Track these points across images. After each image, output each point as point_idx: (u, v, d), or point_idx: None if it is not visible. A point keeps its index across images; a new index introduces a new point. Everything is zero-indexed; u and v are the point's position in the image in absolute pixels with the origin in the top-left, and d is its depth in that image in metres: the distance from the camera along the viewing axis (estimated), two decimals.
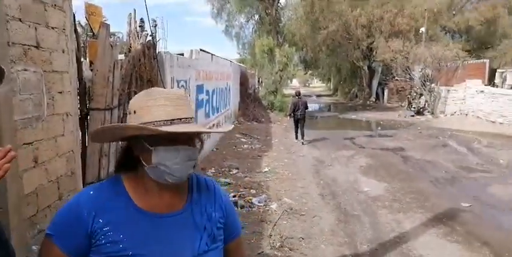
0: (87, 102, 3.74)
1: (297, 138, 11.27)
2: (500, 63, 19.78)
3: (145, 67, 4.57)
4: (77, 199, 1.06)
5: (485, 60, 18.59)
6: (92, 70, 3.85)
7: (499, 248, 4.04)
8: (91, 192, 1.06)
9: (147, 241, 1.01)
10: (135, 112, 1.02)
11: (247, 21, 26.48)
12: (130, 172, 1.08)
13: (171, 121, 0.99)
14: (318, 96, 41.30)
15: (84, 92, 3.68)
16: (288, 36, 24.09)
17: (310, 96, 40.89)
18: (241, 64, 20.07)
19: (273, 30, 22.75)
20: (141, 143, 1.00)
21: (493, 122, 14.10)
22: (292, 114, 11.23)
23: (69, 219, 1.02)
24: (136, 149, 1.04)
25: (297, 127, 11.26)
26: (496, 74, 19.12)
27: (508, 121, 13.29)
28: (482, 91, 15.31)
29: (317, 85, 67.06)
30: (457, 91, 17.25)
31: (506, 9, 23.59)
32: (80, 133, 3.42)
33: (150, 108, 1.00)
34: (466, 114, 16.18)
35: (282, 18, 25.04)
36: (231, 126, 1.38)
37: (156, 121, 0.98)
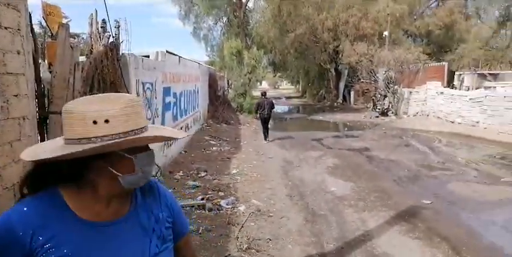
0: (46, 105, 3.61)
1: (265, 139, 11.58)
2: (458, 66, 20.81)
3: (108, 69, 4.47)
4: (7, 217, 0.96)
5: (444, 63, 19.50)
6: (51, 72, 3.72)
7: (457, 243, 4.23)
8: (25, 208, 0.97)
9: (94, 252, 0.98)
10: (107, 121, 0.93)
11: (216, 23, 26.42)
12: (70, 183, 1.01)
13: (145, 128, 0.99)
14: (288, 98, 41.74)
15: (42, 95, 3.55)
16: (257, 38, 24.23)
17: (279, 98, 41.27)
18: (210, 66, 19.98)
19: (242, 32, 22.81)
20: (116, 154, 0.96)
21: (452, 122, 14.77)
22: (258, 113, 11.72)
23: (1, 241, 0.92)
24: (103, 161, 0.96)
25: (264, 128, 11.61)
26: (455, 76, 20.10)
27: (465, 121, 13.97)
28: (441, 93, 16.01)
29: (286, 87, 67.80)
30: (418, 93, 17.95)
31: (462, 15, 24.84)
32: (39, 137, 3.29)
33: (129, 116, 0.95)
34: (427, 115, 16.86)
35: (251, 21, 25.17)
36: (184, 134, 1.24)
37: (137, 129, 0.96)
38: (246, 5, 24.13)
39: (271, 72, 45.80)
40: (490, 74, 18.41)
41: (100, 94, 1.04)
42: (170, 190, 5.78)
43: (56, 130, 3.46)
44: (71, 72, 3.78)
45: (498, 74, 18.83)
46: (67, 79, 3.68)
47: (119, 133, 0.93)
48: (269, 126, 11.90)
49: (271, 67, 39.10)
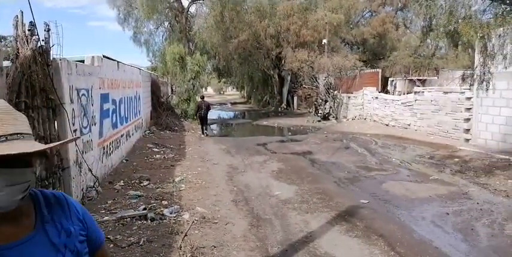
0: None
1: (203, 133, 14.31)
2: (391, 72, 22.22)
3: (37, 75, 4.19)
4: None
5: (378, 69, 20.74)
6: None
7: (391, 240, 4.49)
8: None
9: None
10: None
11: (157, 28, 25.81)
12: None
13: None
14: (233, 104, 41.87)
15: None
16: (200, 44, 24.07)
17: (225, 104, 41.32)
18: (153, 72, 19.48)
19: (184, 38, 22.52)
20: None
21: (386, 125, 15.73)
22: (197, 113, 14.80)
23: None
24: None
25: (201, 124, 14.57)
26: (388, 82, 21.46)
27: (398, 124, 14.95)
28: (376, 98, 17.01)
29: (231, 93, 67.95)
30: (356, 98, 18.91)
31: (393, 25, 26.66)
32: None
33: None
34: (365, 119, 17.80)
35: (193, 27, 24.95)
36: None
37: None
38: (188, 11, 23.90)
39: (215, 78, 45.74)
40: (418, 79, 19.90)
41: None
42: (110, 201, 5.55)
43: None
44: None
45: (426, 79, 20.42)
46: None
47: None
48: (208, 123, 15.11)
49: (215, 73, 39.04)
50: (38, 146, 0.91)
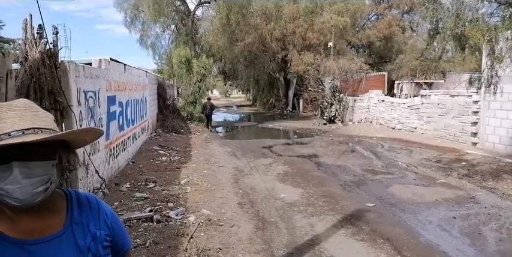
0: None
1: (207, 128, 17.37)
2: (397, 75, 22.12)
3: (45, 77, 4.24)
4: None
5: (384, 72, 20.66)
6: None
7: (398, 243, 4.46)
8: None
9: None
10: None
11: (163, 31, 25.98)
12: None
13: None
14: (239, 106, 41.96)
15: None
16: (206, 47, 24.20)
17: (230, 106, 41.43)
18: (159, 75, 19.59)
19: (190, 41, 22.64)
20: None
21: (393, 128, 15.66)
22: (203, 111, 18.14)
23: None
24: None
25: (207, 121, 17.94)
26: (395, 85, 21.36)
27: (405, 127, 14.87)
28: (382, 101, 16.95)
29: (237, 96, 68.09)
30: (362, 101, 18.85)
31: (400, 28, 26.57)
32: None
33: None
34: (371, 122, 17.74)
35: (200, 30, 25.09)
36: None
37: None
38: (194, 14, 24.03)
39: (221, 80, 45.93)
40: (425, 83, 19.79)
41: None
42: (116, 203, 5.57)
43: None
44: (2, 80, 3.54)
45: (432, 83, 20.30)
46: None
47: None
48: (212, 120, 18.26)
49: (221, 76, 39.20)
50: (41, 136, 0.92)
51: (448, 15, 7.59)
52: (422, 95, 14.09)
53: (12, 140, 0.89)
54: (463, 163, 9.16)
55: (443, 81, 20.08)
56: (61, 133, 0.98)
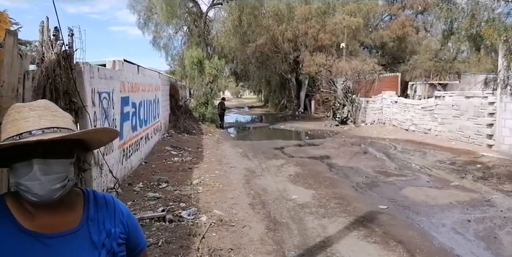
0: None
1: (220, 127, 18.32)
2: (411, 76, 21.87)
3: (61, 78, 4.31)
4: None
5: (398, 73, 20.45)
6: None
7: (411, 246, 4.41)
8: None
9: None
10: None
11: (176, 32, 26.13)
12: (14, 193, 1.01)
13: (20, 135, 0.95)
14: (250, 107, 42.06)
15: None
16: (218, 48, 24.26)
17: (242, 107, 41.52)
18: (171, 76, 19.74)
19: (202, 42, 22.71)
20: (4, 162, 0.97)
21: (406, 129, 15.48)
22: (217, 109, 19.22)
23: None
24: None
25: (220, 120, 18.96)
26: (408, 86, 21.13)
27: (418, 129, 14.69)
28: (396, 102, 16.77)
29: (249, 97, 68.22)
30: (375, 102, 18.69)
31: (413, 28, 26.28)
32: None
33: (4, 126, 0.99)
34: (384, 123, 17.57)
35: (212, 31, 25.18)
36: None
37: (7, 138, 0.96)
38: (207, 15, 24.14)
39: (233, 81, 46.06)
40: (439, 84, 19.52)
41: None
42: (129, 203, 5.64)
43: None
44: (20, 81, 3.61)
45: (447, 84, 20.02)
46: (16, 89, 3.51)
47: (6, 139, 0.96)
48: (223, 120, 19.47)
49: (233, 77, 39.29)
50: (60, 135, 0.97)
51: (463, 15, 7.49)
52: (436, 96, 13.90)
53: (33, 138, 0.94)
54: (478, 166, 9.01)
55: (458, 82, 19.78)
56: (77, 131, 1.03)
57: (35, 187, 0.93)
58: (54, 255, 0.98)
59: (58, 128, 0.99)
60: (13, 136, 0.95)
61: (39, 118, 0.98)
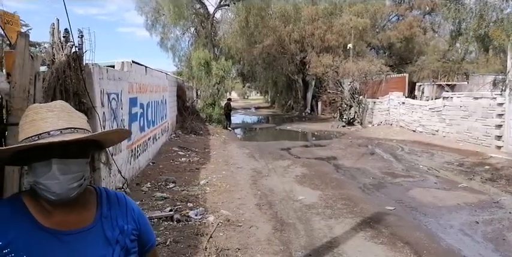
0: (5, 117, 3.48)
1: (227, 128, 18.34)
2: (418, 77, 21.75)
3: (71, 79, 4.37)
4: None
5: (405, 74, 20.34)
6: (9, 82, 3.60)
7: (418, 247, 4.39)
8: None
9: None
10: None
11: (183, 33, 26.27)
12: (31, 191, 1.04)
13: (39, 136, 0.98)
14: (257, 108, 42.07)
15: (0, 106, 3.42)
16: (225, 49, 24.33)
17: (249, 108, 41.54)
18: (179, 77, 19.84)
19: (209, 43, 22.81)
20: (22, 160, 1.01)
21: (413, 131, 15.39)
22: (224, 109, 19.24)
23: None
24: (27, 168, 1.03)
25: (227, 120, 19.02)
26: (416, 87, 21.00)
27: (426, 130, 14.60)
28: (403, 103, 16.68)
29: (255, 97, 68.25)
30: (382, 103, 18.60)
31: (421, 29, 26.12)
32: None
33: (22, 127, 1.02)
34: (391, 124, 17.48)
35: (219, 32, 25.27)
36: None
37: (25, 139, 0.99)
38: (214, 16, 24.24)
39: (240, 82, 46.13)
40: (447, 85, 19.38)
41: None
42: (137, 202, 5.68)
43: (14, 142, 3.34)
44: (31, 82, 3.67)
45: (455, 85, 19.87)
46: (27, 90, 3.56)
47: (24, 139, 0.99)
48: (230, 120, 19.37)
49: (240, 78, 39.36)
50: (77, 135, 1.01)
51: (471, 15, 7.44)
52: (444, 97, 13.80)
53: (52, 138, 0.97)
54: (487, 167, 8.93)
55: (466, 83, 19.64)
56: (97, 133, 1.07)
57: (54, 185, 0.97)
58: (70, 251, 1.01)
59: (75, 128, 1.02)
60: (32, 136, 0.98)
61: (57, 119, 1.01)
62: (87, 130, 1.06)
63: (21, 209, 1.02)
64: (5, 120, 3.45)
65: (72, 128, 1.02)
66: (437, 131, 13.92)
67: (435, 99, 15.86)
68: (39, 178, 0.97)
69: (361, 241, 4.62)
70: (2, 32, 3.44)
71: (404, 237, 4.69)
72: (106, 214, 1.12)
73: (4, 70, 3.75)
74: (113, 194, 1.20)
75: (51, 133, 0.98)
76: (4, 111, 3.45)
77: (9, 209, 1.01)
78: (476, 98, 12.09)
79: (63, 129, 1.00)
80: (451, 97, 13.41)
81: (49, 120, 1.00)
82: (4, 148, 0.97)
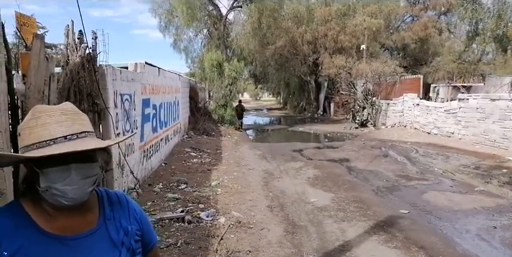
0: (20, 117, 3.53)
1: (239, 129, 18.49)
2: (433, 79, 21.43)
3: (85, 81, 4.41)
4: None
5: (419, 75, 20.05)
6: (25, 83, 3.65)
7: (433, 252, 4.30)
8: None
9: None
10: (20, 134, 0.99)
11: (196, 35, 26.39)
12: (31, 196, 1.02)
13: (54, 140, 0.95)
14: (269, 109, 42.03)
15: (16, 107, 3.47)
16: (237, 50, 24.35)
17: (261, 110, 41.53)
18: (191, 78, 19.96)
19: (222, 44, 22.88)
20: (30, 166, 0.98)
21: (428, 133, 15.14)
22: (236, 111, 19.49)
23: None
24: (30, 172, 1.00)
25: (239, 121, 19.23)
26: (431, 88, 20.70)
27: (441, 132, 14.35)
28: (417, 104, 16.44)
29: (267, 99, 68.23)
30: (395, 104, 18.37)
31: (436, 29, 25.73)
32: (12, 151, 3.20)
33: (31, 129, 0.97)
34: (405, 126, 17.24)
35: (231, 33, 25.34)
36: (106, 143, 1.06)
37: (38, 142, 0.95)
38: (226, 18, 24.31)
39: (252, 84, 46.17)
40: (463, 86, 19.04)
41: None
42: (149, 203, 5.71)
43: None
44: (46, 83, 3.72)
45: (471, 86, 19.50)
46: (42, 91, 3.61)
47: (26, 146, 0.97)
48: (242, 122, 19.65)
49: (252, 79, 39.39)
50: (107, 142, 1.03)
51: (488, 16, 7.29)
52: (460, 99, 13.54)
53: (71, 143, 0.96)
54: (504, 170, 8.72)
55: (482, 84, 19.26)
56: (117, 140, 1.11)
57: (72, 191, 0.96)
58: (76, 256, 0.99)
59: (88, 132, 1.02)
60: (47, 140, 0.95)
61: (72, 122, 1.00)
62: (93, 133, 1.05)
63: (23, 216, 1.00)
64: (20, 120, 3.50)
65: (86, 131, 1.01)
66: (452, 133, 13.67)
67: (450, 101, 15.58)
68: (55, 184, 0.95)
69: (375, 244, 4.54)
70: (19, 34, 3.49)
71: (418, 241, 4.60)
72: (109, 215, 1.10)
73: (20, 71, 3.81)
74: (113, 194, 1.17)
75: (67, 137, 0.97)
76: (20, 111, 3.50)
77: (11, 219, 0.99)
78: (493, 100, 11.83)
79: (79, 133, 0.99)
80: (467, 99, 13.16)
81: (64, 124, 0.98)
82: (28, 155, 0.94)
